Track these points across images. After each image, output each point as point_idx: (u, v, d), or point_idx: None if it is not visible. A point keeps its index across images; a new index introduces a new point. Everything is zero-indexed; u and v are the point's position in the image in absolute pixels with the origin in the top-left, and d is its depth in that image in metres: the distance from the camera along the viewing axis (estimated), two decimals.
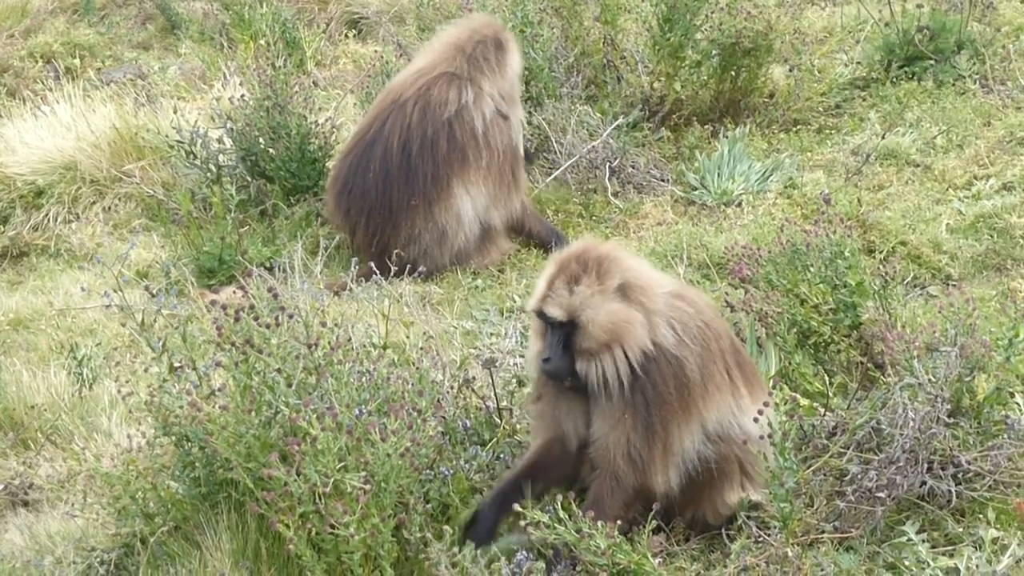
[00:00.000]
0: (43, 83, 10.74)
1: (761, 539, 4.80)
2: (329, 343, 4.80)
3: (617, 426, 4.84)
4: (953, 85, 9.02)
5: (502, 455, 5.34)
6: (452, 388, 5.55)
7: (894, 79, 9.21)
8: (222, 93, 9.36)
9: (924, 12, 9.30)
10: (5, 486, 5.87)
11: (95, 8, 12.63)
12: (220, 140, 8.48)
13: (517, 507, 4.60)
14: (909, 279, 6.91)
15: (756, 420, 4.73)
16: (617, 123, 8.47)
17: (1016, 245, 7.09)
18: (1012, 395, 5.31)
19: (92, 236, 8.44)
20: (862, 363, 5.78)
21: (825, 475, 5.17)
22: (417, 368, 5.02)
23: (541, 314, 4.87)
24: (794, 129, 8.87)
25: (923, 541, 4.73)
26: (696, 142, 8.64)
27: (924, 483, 4.93)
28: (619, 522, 4.62)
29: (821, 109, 9.10)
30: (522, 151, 7.82)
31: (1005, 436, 5.04)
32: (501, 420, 5.53)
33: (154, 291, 5.13)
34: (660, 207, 8.12)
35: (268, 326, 4.74)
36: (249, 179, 8.42)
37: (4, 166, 8.81)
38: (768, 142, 8.75)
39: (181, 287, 6.90)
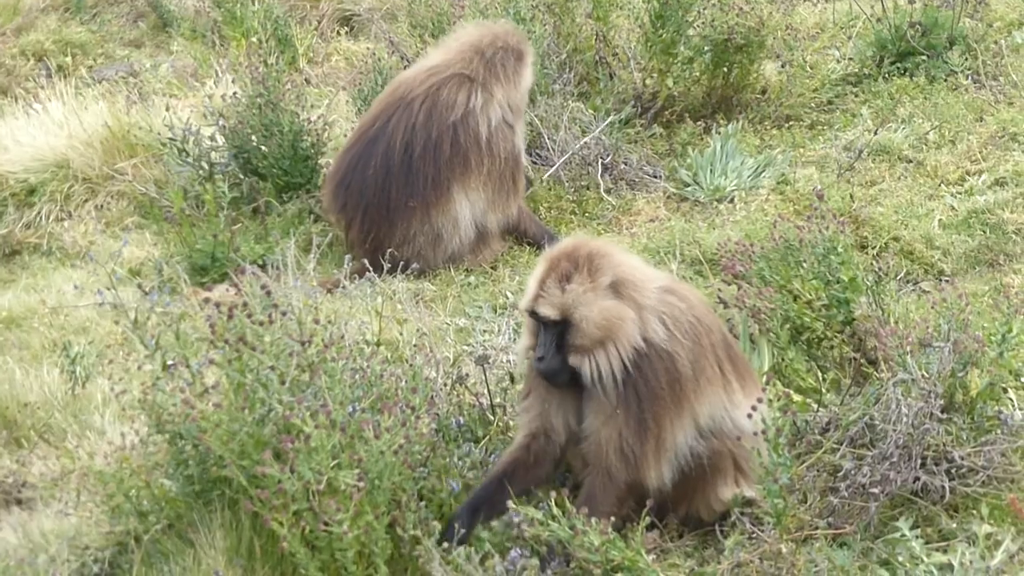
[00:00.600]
0: (35, 81, 10.73)
1: (755, 535, 4.79)
2: (322, 340, 4.80)
3: (609, 422, 4.83)
4: (945, 81, 9.02)
5: (495, 452, 5.33)
6: (445, 385, 5.55)
7: (886, 75, 9.21)
8: (214, 90, 9.34)
9: (916, 8, 9.30)
10: None
11: (87, 6, 12.59)
12: (212, 137, 8.46)
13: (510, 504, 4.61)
14: (902, 275, 6.92)
15: (750, 416, 4.74)
16: (610, 120, 8.45)
17: (1008, 240, 7.10)
18: (1005, 390, 5.33)
19: (85, 234, 8.41)
20: (855, 359, 5.78)
21: (818, 471, 5.18)
22: (410, 365, 5.01)
23: (534, 314, 4.86)
24: (786, 125, 8.87)
25: (917, 537, 4.72)
26: (688, 138, 8.63)
27: (917, 479, 4.92)
28: (612, 518, 4.61)
29: (813, 105, 9.10)
30: (524, 158, 7.79)
31: (998, 431, 5.04)
32: (494, 417, 5.53)
33: (147, 289, 5.15)
34: (653, 203, 8.12)
35: (261, 323, 4.73)
36: (242, 176, 8.39)
37: None
38: (760, 138, 8.75)
39: (174, 285, 6.87)
